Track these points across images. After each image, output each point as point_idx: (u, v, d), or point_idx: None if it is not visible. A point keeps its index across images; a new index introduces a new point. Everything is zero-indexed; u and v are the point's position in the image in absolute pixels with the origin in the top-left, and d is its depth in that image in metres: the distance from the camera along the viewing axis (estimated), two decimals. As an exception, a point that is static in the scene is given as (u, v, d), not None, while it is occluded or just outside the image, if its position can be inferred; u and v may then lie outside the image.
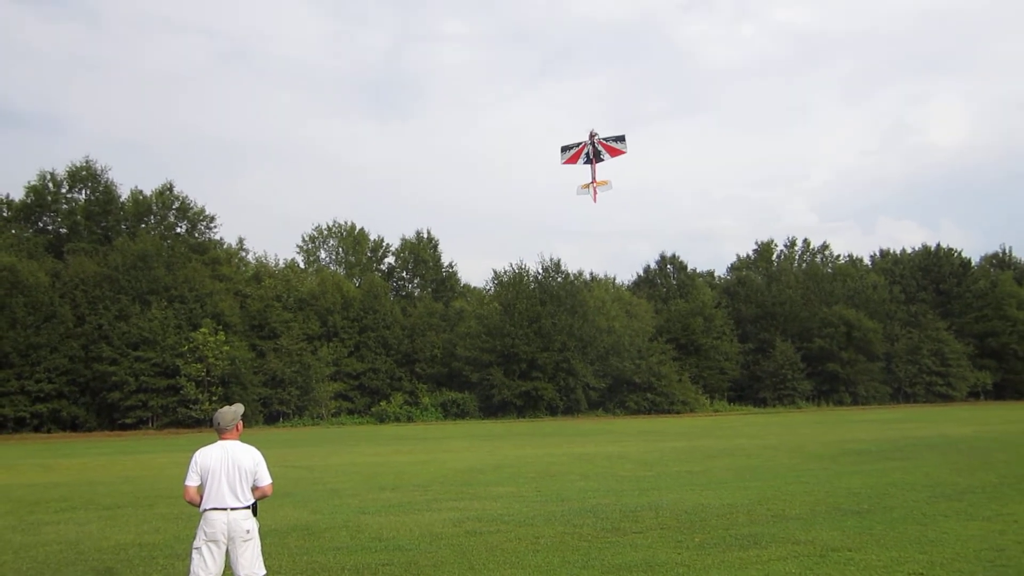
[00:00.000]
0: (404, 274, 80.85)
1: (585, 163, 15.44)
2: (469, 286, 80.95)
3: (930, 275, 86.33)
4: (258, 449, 6.60)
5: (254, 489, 6.46)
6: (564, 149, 16.24)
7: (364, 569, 9.05)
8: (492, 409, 63.15)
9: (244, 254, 71.79)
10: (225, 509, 6.26)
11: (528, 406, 62.98)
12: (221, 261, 65.14)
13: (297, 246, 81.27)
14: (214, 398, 53.23)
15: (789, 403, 72.09)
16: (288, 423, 57.76)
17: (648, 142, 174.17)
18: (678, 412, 65.75)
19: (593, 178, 15.52)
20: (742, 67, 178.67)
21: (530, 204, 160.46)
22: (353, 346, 63.95)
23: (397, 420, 59.84)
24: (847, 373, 74.52)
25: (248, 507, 6.37)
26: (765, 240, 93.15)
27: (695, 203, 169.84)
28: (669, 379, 66.64)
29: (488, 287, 77.25)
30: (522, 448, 30.13)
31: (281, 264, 71.49)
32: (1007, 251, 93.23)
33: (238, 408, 6.69)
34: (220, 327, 55.59)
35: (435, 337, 65.97)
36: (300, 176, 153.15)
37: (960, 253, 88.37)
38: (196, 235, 66.66)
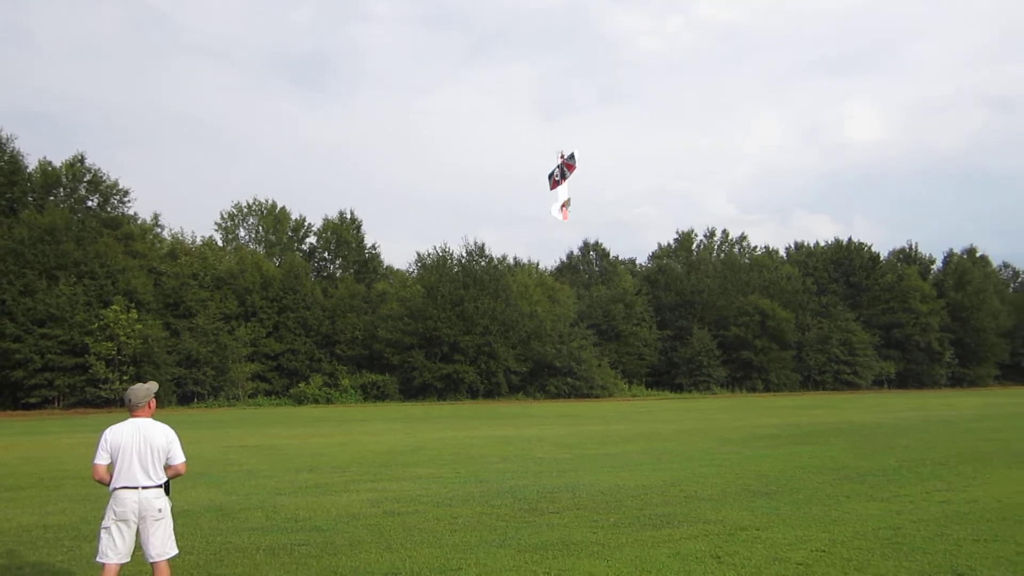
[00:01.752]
0: (326, 255, 79.57)
1: (558, 183, 15.63)
2: (392, 268, 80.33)
3: (841, 268, 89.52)
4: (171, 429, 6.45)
5: (167, 468, 6.30)
6: (550, 176, 16.46)
7: (279, 550, 8.94)
8: (413, 392, 62.95)
9: (159, 230, 69.53)
10: (136, 488, 6.09)
11: (449, 389, 62.97)
12: (135, 237, 62.92)
13: (215, 223, 79.10)
14: (125, 377, 51.54)
15: (704, 389, 73.94)
16: (203, 404, 56.41)
17: (574, 131, 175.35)
18: (597, 396, 66.73)
19: (564, 199, 15.77)
20: (668, 60, 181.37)
21: (455, 187, 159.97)
22: (272, 326, 62.76)
23: (316, 402, 59.05)
24: (760, 361, 76.85)
25: (160, 486, 6.21)
26: (686, 230, 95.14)
27: (619, 192, 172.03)
28: (589, 364, 67.50)
29: (411, 269, 76.89)
30: (442, 431, 30.15)
31: (198, 241, 69.58)
32: (913, 247, 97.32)
33: (151, 386, 6.52)
34: (132, 305, 53.78)
35: (356, 319, 65.25)
36: (220, 152, 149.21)
37: (870, 248, 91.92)
38: (108, 209, 64.04)
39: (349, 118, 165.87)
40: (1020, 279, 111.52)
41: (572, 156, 16.28)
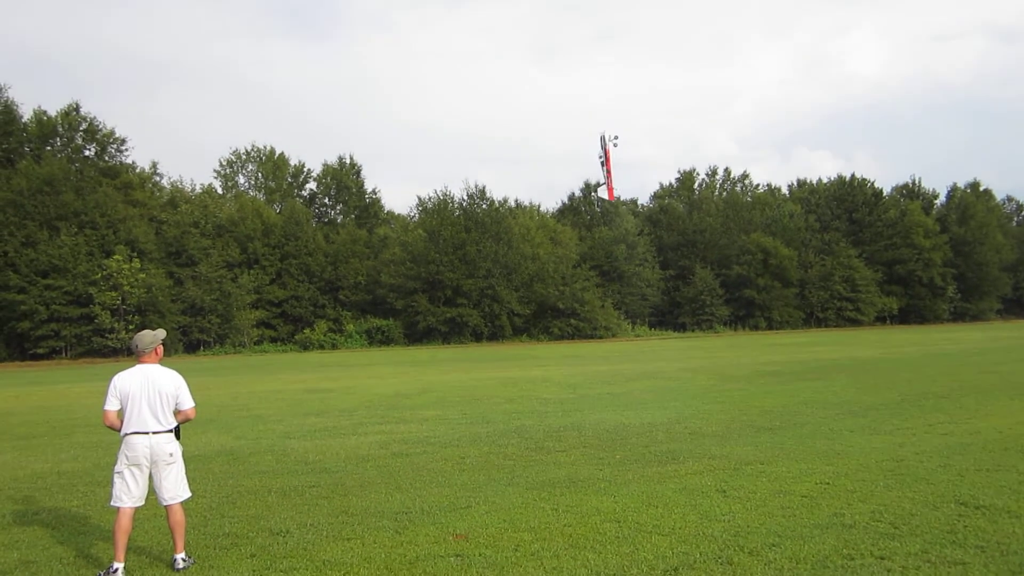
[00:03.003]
0: (326, 200, 79.36)
1: (601, 163, 15.97)
2: (393, 213, 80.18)
3: (844, 204, 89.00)
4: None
5: (176, 413, 6.35)
6: (600, 160, 17.14)
7: (291, 491, 9.07)
8: (417, 336, 63.29)
9: (158, 179, 69.33)
10: (147, 433, 6.14)
11: (453, 332, 63.31)
12: (134, 186, 62.68)
13: (214, 171, 78.82)
14: (131, 327, 51.91)
15: (707, 328, 74.26)
16: (209, 351, 56.87)
17: (572, 69, 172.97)
18: (600, 337, 67.08)
19: (609, 177, 16.12)
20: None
21: (454, 130, 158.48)
22: (275, 273, 62.90)
23: (321, 348, 59.52)
24: (763, 299, 76.97)
25: (170, 431, 6.27)
26: (687, 169, 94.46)
27: (619, 131, 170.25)
28: (592, 305, 67.70)
29: (412, 214, 76.69)
30: (447, 374, 30.38)
31: (198, 189, 69.35)
32: (916, 182, 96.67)
33: (159, 333, 6.52)
34: (135, 254, 53.87)
35: (359, 264, 65.32)
36: (216, 99, 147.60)
37: (872, 183, 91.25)
38: (106, 158, 63.70)
39: (345, 60, 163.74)
40: (1023, 213, 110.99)
41: (605, 139, 16.70)
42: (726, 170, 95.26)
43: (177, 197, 65.51)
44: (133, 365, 6.41)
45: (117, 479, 6.18)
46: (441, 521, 7.36)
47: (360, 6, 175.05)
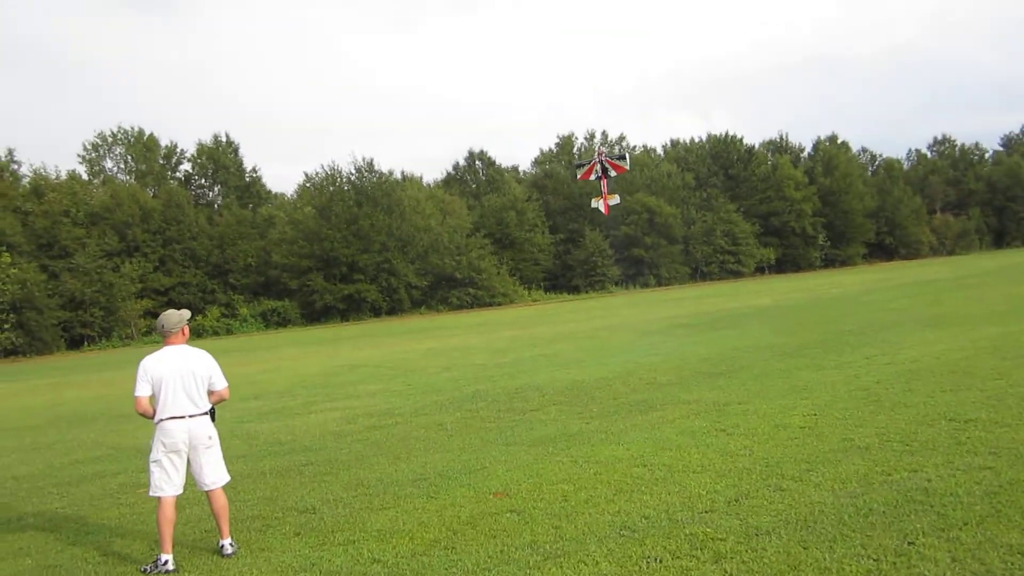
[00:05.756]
0: (203, 181, 76.14)
1: (596, 179, 17.26)
2: (272, 192, 77.94)
3: (719, 161, 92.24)
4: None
5: (210, 394, 6.10)
6: (578, 167, 18.72)
7: (286, 471, 8.83)
8: (315, 315, 62.04)
9: (16, 167, 64.75)
10: (183, 417, 5.88)
11: (352, 309, 62.38)
12: (-9, 175, 58.48)
13: (78, 156, 74.16)
14: (6, 326, 48.62)
15: (600, 288, 75.87)
16: (95, 347, 53.92)
17: (437, 37, 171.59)
18: (499, 304, 67.56)
19: (604, 193, 17.33)
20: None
21: (327, 103, 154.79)
22: (158, 260, 60.14)
23: (215, 334, 57.47)
24: (651, 257, 79.23)
25: (206, 413, 6.02)
26: (566, 133, 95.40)
27: (496, 99, 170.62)
28: (488, 273, 68.03)
29: (298, 191, 74.69)
30: (364, 349, 30.03)
31: (63, 176, 65.13)
32: (784, 136, 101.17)
33: (184, 312, 6.22)
34: (3, 248, 50.33)
35: (247, 245, 63.19)
36: (72, 78, 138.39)
37: (742, 139, 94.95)
38: (-42, 147, 59.07)
39: (207, 35, 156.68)
40: (877, 163, 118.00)
41: (623, 158, 17.77)
42: (603, 133, 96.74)
43: (41, 185, 61.36)
44: (159, 348, 6.12)
45: (155, 468, 5.90)
46: (468, 483, 7.36)
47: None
